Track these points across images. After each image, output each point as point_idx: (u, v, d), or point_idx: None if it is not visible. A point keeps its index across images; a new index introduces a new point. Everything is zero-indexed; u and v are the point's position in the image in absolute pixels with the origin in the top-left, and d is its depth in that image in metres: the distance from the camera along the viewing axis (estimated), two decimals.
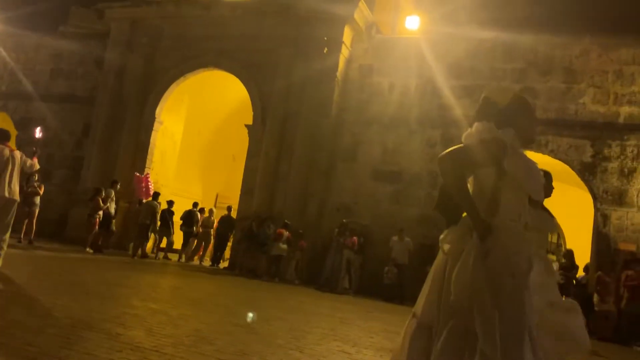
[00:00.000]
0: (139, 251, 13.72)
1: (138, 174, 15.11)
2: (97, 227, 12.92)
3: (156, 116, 15.98)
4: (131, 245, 14.30)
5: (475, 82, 13.53)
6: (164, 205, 14.42)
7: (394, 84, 14.29)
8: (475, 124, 2.44)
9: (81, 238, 14.25)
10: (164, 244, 14.69)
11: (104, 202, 13.03)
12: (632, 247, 10.97)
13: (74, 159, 16.69)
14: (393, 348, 2.41)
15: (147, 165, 15.90)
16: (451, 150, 2.40)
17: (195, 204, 15.22)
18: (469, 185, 2.39)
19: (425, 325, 2.30)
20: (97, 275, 8.46)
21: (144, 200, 14.28)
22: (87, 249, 12.68)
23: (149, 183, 15.02)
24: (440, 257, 2.40)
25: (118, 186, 13.87)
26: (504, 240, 2.23)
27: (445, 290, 2.25)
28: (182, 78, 16.08)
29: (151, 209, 13.83)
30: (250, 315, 4.57)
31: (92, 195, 13.20)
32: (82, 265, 9.71)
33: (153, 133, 15.98)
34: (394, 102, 14.19)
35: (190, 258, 15.26)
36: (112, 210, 13.46)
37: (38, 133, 9.15)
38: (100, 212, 12.90)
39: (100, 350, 3.59)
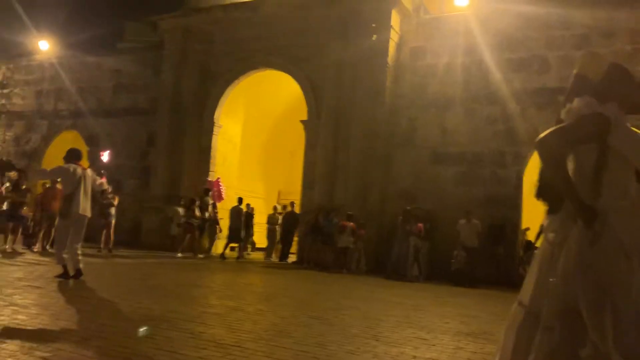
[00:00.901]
0: (226, 251, 14.43)
1: (210, 179, 15.86)
2: (193, 233, 13.83)
3: (215, 120, 16.42)
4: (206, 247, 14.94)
5: (532, 53, 13.05)
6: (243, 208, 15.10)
7: (447, 64, 13.99)
8: (575, 100, 2.30)
9: (155, 243, 14.98)
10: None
11: (201, 210, 13.91)
12: None
13: (142, 169, 17.43)
14: (498, 339, 2.33)
15: (210, 169, 16.40)
16: (550, 132, 2.25)
17: (239, 200, 15.15)
18: (568, 166, 2.25)
19: (534, 315, 2.21)
20: (173, 277, 8.83)
21: (217, 204, 14.92)
22: (178, 254, 13.35)
23: (221, 187, 15.76)
24: (544, 246, 2.31)
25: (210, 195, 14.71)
26: (612, 221, 2.10)
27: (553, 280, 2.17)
28: (236, 81, 16.45)
29: (238, 213, 14.64)
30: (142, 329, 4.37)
31: (188, 205, 14.04)
32: (159, 269, 10.16)
33: (213, 137, 16.45)
34: (449, 82, 13.89)
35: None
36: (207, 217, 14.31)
37: (105, 157, 9.63)
38: (195, 220, 13.83)
39: (186, 348, 3.76)
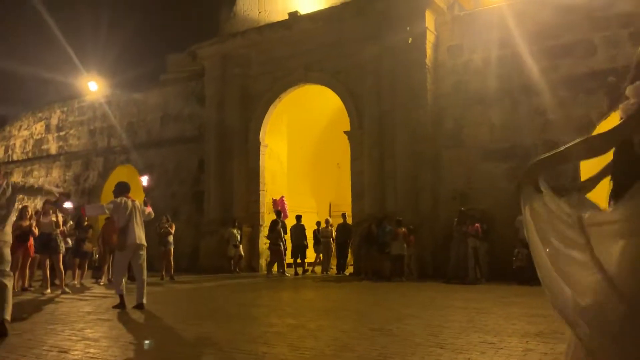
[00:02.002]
0: (294, 270, 15.11)
1: (275, 198, 16.55)
2: (281, 254, 14.71)
3: (260, 140, 16.69)
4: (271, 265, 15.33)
5: (576, 37, 12.59)
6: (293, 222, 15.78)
7: (487, 58, 13.70)
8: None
9: (213, 266, 15.32)
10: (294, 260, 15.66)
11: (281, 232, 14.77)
12: None
13: (195, 194, 17.89)
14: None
15: (260, 189, 16.66)
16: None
17: (298, 217, 15.83)
18: None
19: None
20: (233, 299, 8.97)
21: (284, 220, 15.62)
22: (288, 274, 14.49)
23: (285, 205, 16.44)
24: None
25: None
26: None
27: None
28: (277, 100, 16.68)
29: (300, 230, 15.39)
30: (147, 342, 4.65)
31: (272, 227, 14.89)
32: (218, 292, 10.34)
33: (260, 157, 16.71)
34: (492, 77, 13.58)
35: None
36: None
37: (145, 182, 9.99)
38: (280, 241, 14.68)
39: None
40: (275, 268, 15.02)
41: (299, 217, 15.62)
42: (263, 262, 16.30)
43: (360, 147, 14.74)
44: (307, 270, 15.82)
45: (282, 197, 16.83)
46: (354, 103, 15.05)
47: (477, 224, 12.29)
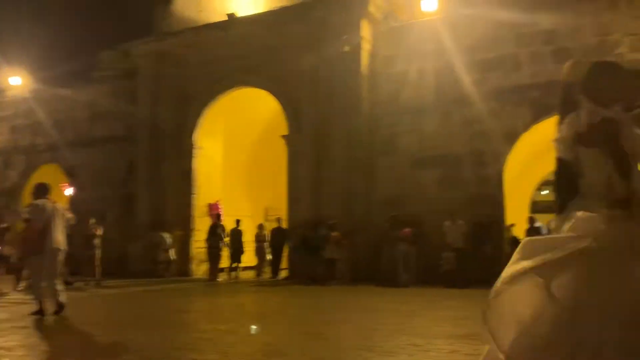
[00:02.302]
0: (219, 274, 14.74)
1: (210, 202, 16.28)
2: (219, 258, 14.56)
3: (194, 142, 16.37)
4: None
5: (503, 52, 13.23)
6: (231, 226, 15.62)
7: (420, 69, 14.12)
8: (583, 110, 2.23)
9: (143, 271, 14.87)
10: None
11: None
12: None
13: (124, 197, 17.25)
14: None
15: (193, 192, 16.33)
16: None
17: (237, 222, 15.74)
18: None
19: None
20: (161, 304, 8.72)
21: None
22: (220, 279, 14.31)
23: (220, 209, 16.22)
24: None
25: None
26: None
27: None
28: (213, 102, 16.42)
29: (238, 234, 15.30)
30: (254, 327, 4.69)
31: (212, 230, 14.60)
32: (147, 297, 10.03)
33: (194, 159, 16.38)
34: (425, 87, 14.01)
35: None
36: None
37: (68, 192, 9.61)
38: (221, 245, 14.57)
39: None
40: (208, 272, 14.77)
41: (237, 222, 15.49)
42: (195, 266, 15.97)
43: (298, 152, 14.77)
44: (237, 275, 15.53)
45: (218, 201, 16.60)
46: (292, 107, 15.07)
47: (408, 229, 12.60)
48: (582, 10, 12.51)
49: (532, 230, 12.94)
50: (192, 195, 16.30)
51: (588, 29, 12.41)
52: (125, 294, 10.85)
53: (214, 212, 16.08)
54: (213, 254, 14.57)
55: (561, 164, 2.34)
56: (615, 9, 12.29)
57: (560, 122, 2.32)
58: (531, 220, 13.26)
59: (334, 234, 13.01)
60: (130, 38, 17.28)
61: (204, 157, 16.68)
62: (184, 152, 16.40)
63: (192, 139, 16.36)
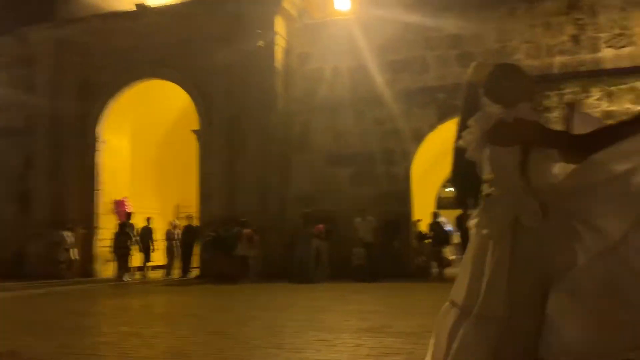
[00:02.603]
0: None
1: (117, 199, 15.68)
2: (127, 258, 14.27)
3: (99, 136, 15.56)
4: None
5: (412, 54, 13.71)
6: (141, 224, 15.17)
7: (335, 67, 14.31)
8: (484, 109, 2.32)
9: (43, 272, 13.94)
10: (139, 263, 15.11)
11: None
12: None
13: (22, 193, 16.05)
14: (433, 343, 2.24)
15: (97, 188, 15.53)
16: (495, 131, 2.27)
17: (148, 220, 15.35)
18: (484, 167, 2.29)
19: (468, 313, 2.13)
20: (61, 308, 8.21)
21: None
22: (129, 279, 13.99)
23: (126, 207, 15.66)
24: (477, 241, 2.22)
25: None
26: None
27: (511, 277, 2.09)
28: (119, 93, 15.68)
29: (149, 233, 14.99)
30: None
31: (121, 229, 14.24)
32: (45, 300, 9.41)
33: (98, 154, 15.58)
34: (338, 86, 14.22)
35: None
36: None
37: None
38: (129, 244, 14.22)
39: None
40: (115, 272, 14.20)
41: (148, 220, 15.09)
42: (99, 266, 15.21)
43: (210, 147, 14.45)
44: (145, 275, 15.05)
45: (125, 198, 15.89)
46: (204, 102, 14.71)
47: (320, 225, 12.75)
48: (485, 17, 13.25)
49: (435, 225, 13.56)
50: (96, 192, 15.50)
51: (490, 35, 13.16)
52: (20, 297, 10.10)
53: (120, 209, 15.49)
54: (121, 253, 14.09)
55: (459, 162, 2.40)
56: (514, 17, 13.12)
57: (462, 121, 2.37)
58: (435, 215, 13.87)
59: (246, 230, 12.89)
60: (27, 23, 16.04)
61: (109, 151, 15.89)
62: (87, 145, 15.55)
63: (96, 132, 15.54)
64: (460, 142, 2.33)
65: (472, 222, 2.28)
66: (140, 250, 14.70)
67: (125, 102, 16.00)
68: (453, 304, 2.22)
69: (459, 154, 2.37)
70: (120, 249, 14.11)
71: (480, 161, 2.33)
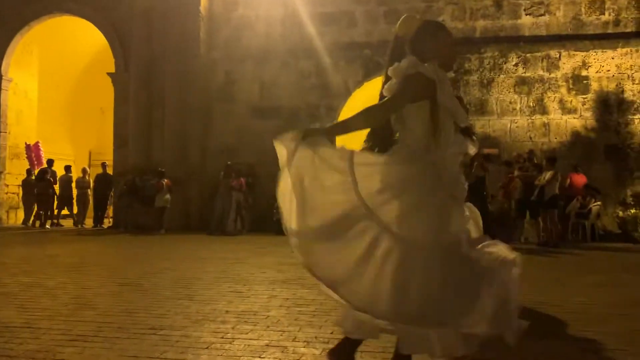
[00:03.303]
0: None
1: (28, 143, 14.81)
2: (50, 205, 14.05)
3: (3, 73, 14.33)
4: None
5: (340, 8, 13.54)
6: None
7: (260, 16, 13.88)
8: (403, 60, 2.31)
9: None
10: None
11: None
12: (495, 152, 12.00)
13: None
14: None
15: (2, 130, 14.43)
16: (378, 105, 2.31)
17: (67, 167, 14.64)
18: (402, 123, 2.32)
19: None
20: None
21: (33, 170, 14.37)
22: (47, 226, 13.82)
23: (40, 151, 14.84)
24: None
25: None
26: (445, 169, 2.26)
27: None
28: (26, 27, 14.42)
29: (68, 181, 14.49)
30: None
31: (41, 175, 13.83)
32: None
33: (2, 92, 14.38)
34: (264, 35, 13.84)
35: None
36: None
37: None
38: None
39: None
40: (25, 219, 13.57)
41: (68, 168, 14.51)
42: (4, 213, 14.31)
43: (126, 92, 13.73)
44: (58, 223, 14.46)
45: (38, 142, 14.89)
46: (121, 43, 13.87)
47: (242, 179, 12.61)
48: None
49: None
50: (2, 134, 14.40)
51: None
52: None
53: (33, 154, 14.58)
54: (42, 200, 13.72)
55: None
56: None
57: (386, 73, 2.39)
58: None
59: (165, 181, 12.53)
60: None
61: (14, 90, 14.72)
62: None
63: (1, 69, 14.28)
64: (384, 92, 2.33)
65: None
66: (57, 199, 14.11)
67: (34, 37, 14.78)
68: None
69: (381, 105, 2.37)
70: (42, 196, 13.58)
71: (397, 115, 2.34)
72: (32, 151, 14.65)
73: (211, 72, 13.96)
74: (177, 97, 13.44)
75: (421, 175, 2.20)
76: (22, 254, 8.24)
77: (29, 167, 14.39)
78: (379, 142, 2.45)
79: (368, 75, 13.47)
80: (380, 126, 2.42)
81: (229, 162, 12.87)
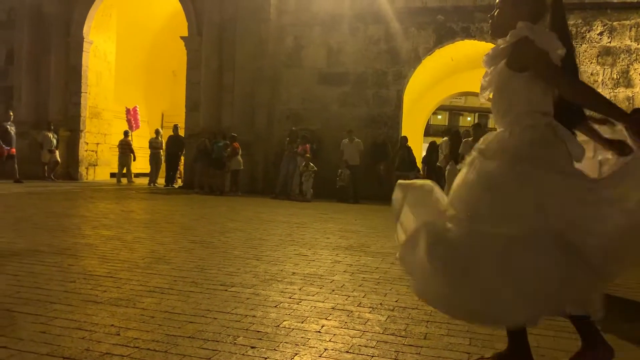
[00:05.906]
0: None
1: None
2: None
3: (84, 36, 14.97)
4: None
5: None
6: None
7: None
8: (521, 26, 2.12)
9: (25, 173, 13.88)
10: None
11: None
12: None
13: (2, 90, 15.64)
14: None
15: (82, 90, 15.15)
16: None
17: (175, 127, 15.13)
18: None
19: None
20: (43, 208, 8.24)
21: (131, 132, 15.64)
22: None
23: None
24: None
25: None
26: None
27: None
28: None
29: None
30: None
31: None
32: (27, 200, 9.42)
33: (84, 54, 15.06)
34: (333, 0, 13.66)
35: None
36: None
37: None
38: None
39: (51, 283, 3.54)
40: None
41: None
42: (83, 170, 15.18)
43: (198, 56, 14.04)
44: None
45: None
46: (194, 7, 14.12)
47: (307, 144, 12.71)
48: None
49: (403, 149, 13.05)
50: (83, 94, 15.15)
51: None
52: (3, 195, 10.09)
53: (131, 116, 15.86)
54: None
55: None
56: None
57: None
58: (404, 140, 13.24)
59: (235, 144, 12.82)
60: None
61: (95, 53, 15.38)
62: (71, 45, 15.00)
63: (82, 31, 14.93)
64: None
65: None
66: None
67: (113, 1, 15.28)
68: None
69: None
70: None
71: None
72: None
73: (280, 37, 14.00)
74: (247, 61, 13.60)
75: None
76: (100, 208, 8.75)
77: (126, 128, 15.78)
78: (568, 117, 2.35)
79: (440, 43, 13.17)
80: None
81: (293, 128, 12.98)
